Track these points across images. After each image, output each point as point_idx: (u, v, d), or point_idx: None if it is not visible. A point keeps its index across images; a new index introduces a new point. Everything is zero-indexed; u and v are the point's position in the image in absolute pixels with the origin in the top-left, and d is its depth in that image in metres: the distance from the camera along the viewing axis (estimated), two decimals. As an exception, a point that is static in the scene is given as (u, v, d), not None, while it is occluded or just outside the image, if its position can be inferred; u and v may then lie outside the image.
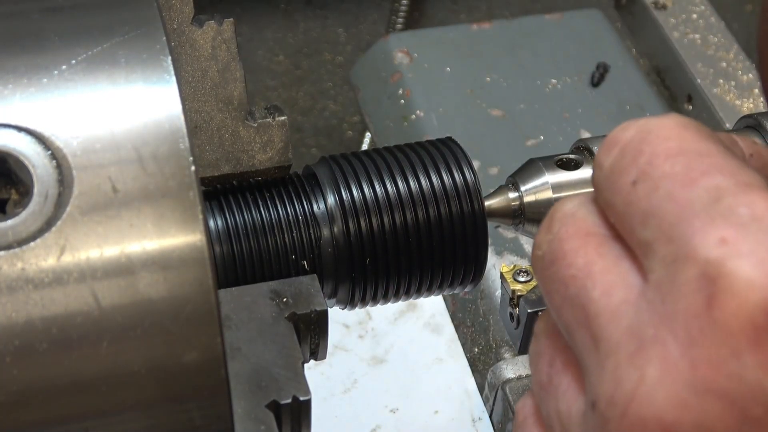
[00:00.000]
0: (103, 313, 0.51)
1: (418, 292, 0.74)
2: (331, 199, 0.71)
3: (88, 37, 0.55)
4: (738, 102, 1.33)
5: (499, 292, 0.99)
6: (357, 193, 0.71)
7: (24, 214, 0.51)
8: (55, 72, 0.54)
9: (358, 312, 1.12)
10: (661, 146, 0.52)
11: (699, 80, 1.35)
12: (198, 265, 0.52)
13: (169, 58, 0.54)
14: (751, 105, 1.32)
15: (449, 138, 0.75)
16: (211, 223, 0.69)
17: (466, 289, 0.76)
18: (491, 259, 1.08)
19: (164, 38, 0.55)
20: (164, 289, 0.51)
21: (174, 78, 0.54)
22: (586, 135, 1.27)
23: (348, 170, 0.72)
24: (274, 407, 0.60)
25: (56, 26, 0.56)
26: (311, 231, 0.71)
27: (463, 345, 1.11)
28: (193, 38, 0.69)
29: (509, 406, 1.01)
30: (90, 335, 0.51)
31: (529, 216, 0.74)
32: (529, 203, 0.74)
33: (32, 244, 0.51)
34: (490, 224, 0.74)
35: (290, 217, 0.70)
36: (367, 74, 1.42)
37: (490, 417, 1.04)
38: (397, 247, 0.71)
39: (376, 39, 1.54)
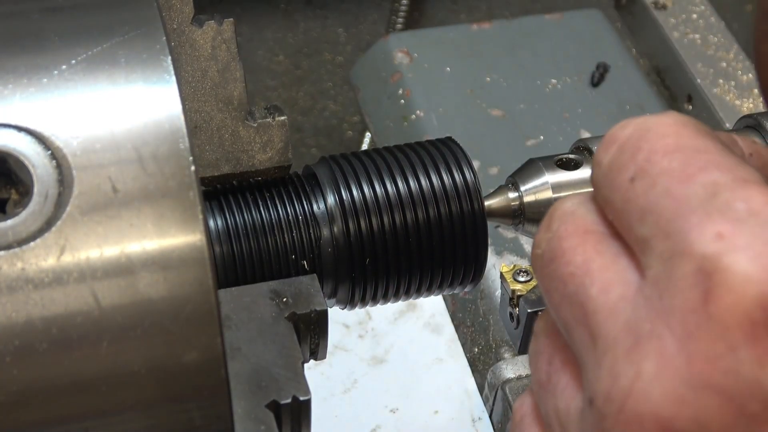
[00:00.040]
0: (103, 313, 0.51)
1: (418, 292, 0.74)
2: (331, 199, 0.71)
3: (88, 37, 0.55)
4: (738, 102, 1.33)
5: (499, 292, 0.99)
6: (357, 193, 0.71)
7: (24, 214, 0.51)
8: (55, 72, 0.54)
9: (358, 312, 1.12)
10: (659, 143, 0.52)
11: (699, 80, 1.35)
12: (198, 265, 0.52)
13: (169, 58, 0.54)
14: (751, 105, 1.32)
15: (449, 138, 0.75)
16: (211, 223, 0.69)
17: (466, 289, 0.76)
18: (491, 259, 1.08)
19: (164, 38, 0.55)
20: (164, 289, 0.51)
21: (174, 78, 0.54)
22: (586, 135, 1.27)
23: (348, 170, 0.72)
24: (274, 407, 0.60)
25: (56, 26, 0.56)
26: (311, 231, 0.71)
27: (463, 345, 1.11)
28: (193, 38, 0.69)
29: (509, 406, 1.01)
30: (90, 335, 0.51)
31: (529, 216, 0.74)
32: (529, 203, 0.74)
33: (32, 244, 0.51)
34: (490, 224, 0.74)
35: (290, 217, 0.70)
36: (367, 74, 1.42)
37: (490, 417, 1.04)
38: (397, 247, 0.71)
39: (376, 39, 1.54)
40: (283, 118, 0.71)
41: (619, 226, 0.53)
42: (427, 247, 0.72)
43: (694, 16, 1.43)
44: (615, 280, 0.52)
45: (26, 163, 0.52)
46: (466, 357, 1.10)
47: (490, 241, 0.74)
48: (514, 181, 0.75)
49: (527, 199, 0.74)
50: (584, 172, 0.74)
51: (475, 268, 0.74)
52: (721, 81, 1.35)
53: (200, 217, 0.52)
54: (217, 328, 0.52)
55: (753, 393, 0.46)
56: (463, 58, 1.39)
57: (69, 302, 0.51)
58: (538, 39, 1.42)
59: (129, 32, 0.55)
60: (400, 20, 1.95)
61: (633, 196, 0.52)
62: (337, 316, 0.92)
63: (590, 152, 0.75)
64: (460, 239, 0.72)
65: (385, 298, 0.74)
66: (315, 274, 0.69)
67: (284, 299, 0.67)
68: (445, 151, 0.74)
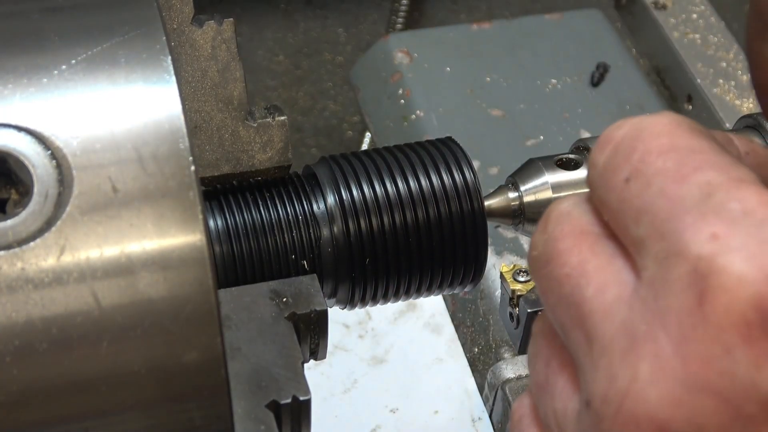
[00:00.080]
0: (103, 313, 0.51)
1: (418, 292, 0.74)
2: (330, 199, 0.71)
3: (88, 37, 0.55)
4: (738, 102, 1.33)
5: (499, 292, 0.99)
6: (357, 193, 0.71)
7: (24, 214, 0.51)
8: (55, 72, 0.54)
9: (358, 312, 1.12)
10: (653, 143, 0.52)
11: (699, 80, 1.35)
12: (198, 265, 0.52)
13: (169, 58, 0.54)
14: (751, 105, 1.32)
15: (449, 138, 0.75)
16: (211, 223, 0.69)
17: (466, 289, 0.76)
18: (491, 259, 1.08)
19: (164, 38, 0.55)
20: (164, 289, 0.51)
21: (174, 78, 0.54)
22: (586, 135, 1.27)
23: (348, 170, 0.72)
24: (274, 407, 0.60)
25: (56, 26, 0.56)
26: (311, 231, 0.71)
27: (463, 345, 1.11)
28: (193, 38, 0.69)
29: (509, 406, 1.01)
30: (90, 335, 0.51)
31: (529, 216, 0.74)
32: (529, 203, 0.74)
33: (32, 244, 0.51)
34: (490, 224, 0.74)
35: (290, 217, 0.70)
36: (367, 74, 1.42)
37: (490, 417, 1.04)
38: (397, 247, 0.71)
39: (376, 39, 1.54)
40: (283, 118, 0.71)
41: (615, 226, 0.53)
42: (427, 247, 0.72)
43: (694, 16, 1.43)
44: (611, 281, 0.52)
45: (26, 163, 0.52)
46: (466, 357, 1.10)
47: (490, 241, 0.74)
48: (514, 181, 0.75)
49: (527, 199, 0.74)
50: (584, 172, 0.74)
51: (475, 268, 0.74)
52: (721, 81, 1.35)
53: (200, 217, 0.52)
54: (217, 328, 0.52)
55: (749, 394, 0.46)
56: (463, 58, 1.39)
57: (69, 302, 0.51)
58: (538, 39, 1.42)
59: (129, 32, 0.55)
60: (400, 20, 1.95)
61: (628, 197, 0.51)
62: (337, 316, 0.92)
63: (590, 152, 0.75)
64: (460, 239, 0.72)
65: (385, 298, 0.74)
66: (315, 274, 0.69)
67: (284, 299, 0.67)
68: (445, 151, 0.74)
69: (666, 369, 0.47)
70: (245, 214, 0.70)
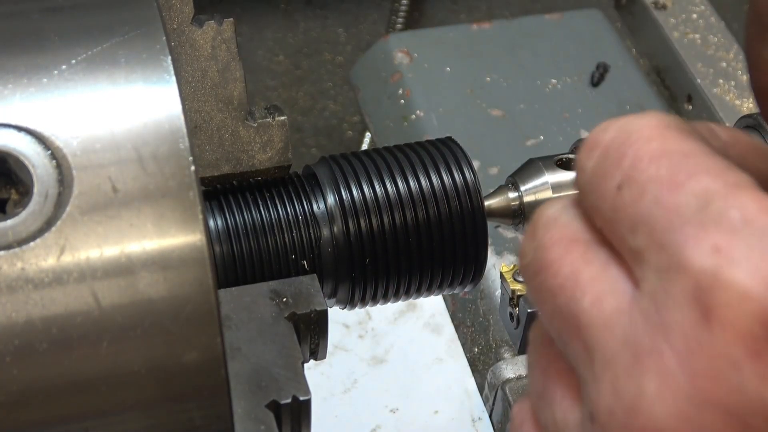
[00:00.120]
0: (103, 313, 0.51)
1: (418, 292, 0.74)
2: (331, 199, 0.71)
3: (88, 37, 0.55)
4: (738, 102, 1.33)
5: (499, 292, 0.99)
6: (357, 193, 0.71)
7: (24, 214, 0.51)
8: (55, 72, 0.54)
9: (358, 312, 1.12)
10: (643, 148, 0.51)
11: (699, 80, 1.35)
12: (198, 265, 0.52)
13: (169, 58, 0.54)
14: (751, 105, 1.32)
15: (449, 138, 0.75)
16: (211, 223, 0.69)
17: (466, 289, 0.76)
18: (491, 259, 1.08)
19: (164, 38, 0.55)
20: (164, 289, 0.51)
21: (174, 78, 0.54)
22: (586, 135, 1.27)
23: (348, 170, 0.72)
24: (274, 407, 0.60)
25: (56, 26, 0.56)
26: (311, 231, 0.71)
27: (463, 345, 1.11)
28: (193, 38, 0.69)
29: (509, 406, 1.01)
30: (90, 335, 0.51)
31: (529, 216, 0.74)
32: (529, 203, 0.74)
33: (32, 244, 0.51)
34: (490, 224, 0.74)
35: (290, 217, 0.70)
36: (367, 74, 1.42)
37: (490, 417, 1.04)
38: (397, 247, 0.71)
39: (376, 39, 1.54)
40: (283, 118, 0.71)
41: (609, 235, 0.52)
42: (427, 247, 0.72)
43: (694, 16, 1.43)
44: (607, 291, 0.51)
45: (26, 163, 0.52)
46: (466, 357, 1.10)
47: (490, 241, 0.74)
48: (514, 181, 0.75)
49: (527, 199, 0.74)
50: (583, 173, 0.74)
51: (475, 268, 0.74)
52: (721, 81, 1.35)
53: (200, 217, 0.52)
54: (217, 328, 0.52)
55: (756, 409, 0.46)
56: (463, 58, 1.39)
57: (69, 302, 0.51)
58: (538, 39, 1.42)
59: (129, 32, 0.55)
60: (400, 20, 1.96)
61: (621, 205, 0.50)
62: (337, 316, 0.92)
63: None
64: (460, 239, 0.72)
65: (385, 298, 0.74)
66: (315, 274, 0.69)
67: (284, 299, 0.67)
68: (445, 151, 0.74)
69: (672, 384, 0.47)
70: (245, 214, 0.70)
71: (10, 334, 0.50)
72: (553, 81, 1.36)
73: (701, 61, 1.37)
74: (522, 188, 0.74)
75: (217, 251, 0.68)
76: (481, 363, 1.11)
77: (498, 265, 1.05)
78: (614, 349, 0.49)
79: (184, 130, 0.53)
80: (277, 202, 0.71)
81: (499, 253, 1.15)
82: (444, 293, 0.76)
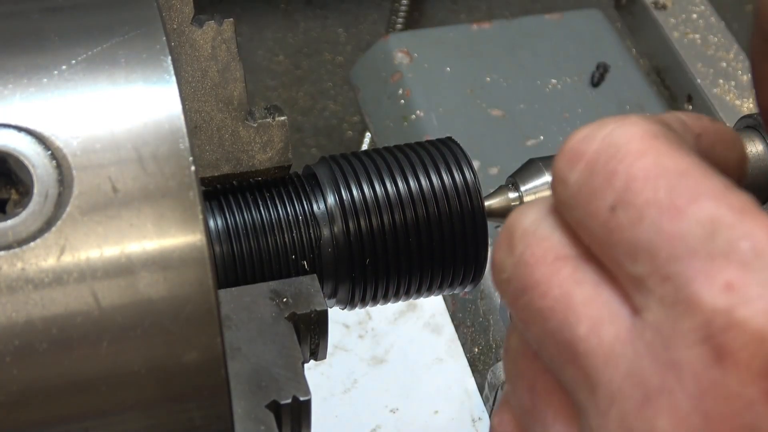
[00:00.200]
0: (103, 313, 0.51)
1: (418, 292, 0.74)
2: (331, 199, 0.71)
3: (88, 37, 0.55)
4: (738, 102, 1.33)
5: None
6: (357, 193, 0.71)
7: (24, 214, 0.51)
8: (55, 72, 0.54)
9: (358, 312, 1.12)
10: (635, 165, 0.48)
11: (699, 80, 1.35)
12: (198, 265, 0.52)
13: (169, 58, 0.54)
14: (751, 105, 1.32)
15: (449, 138, 0.75)
16: (211, 223, 0.69)
17: (466, 289, 0.76)
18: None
19: (164, 38, 0.55)
20: (164, 289, 0.51)
21: (174, 78, 0.54)
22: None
23: (348, 170, 0.72)
24: (274, 407, 0.60)
25: (56, 26, 0.56)
26: (311, 231, 0.71)
27: (463, 345, 1.11)
28: (193, 38, 0.69)
29: (509, 406, 1.01)
30: (90, 335, 0.51)
31: (529, 216, 0.74)
32: (529, 203, 0.74)
33: (32, 244, 0.51)
34: (490, 224, 0.74)
35: (290, 217, 0.70)
36: (367, 74, 1.42)
37: (490, 417, 1.04)
38: (397, 247, 0.71)
39: (376, 39, 1.54)
40: (283, 118, 0.71)
41: (602, 256, 0.50)
42: (427, 247, 0.72)
43: (694, 16, 1.43)
44: (603, 317, 0.49)
45: (26, 163, 0.52)
46: (466, 357, 1.10)
47: (490, 241, 0.73)
48: (514, 181, 0.75)
49: (527, 199, 0.74)
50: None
51: (475, 268, 0.74)
52: (721, 81, 1.35)
53: (200, 217, 0.52)
54: (217, 328, 0.52)
55: None
56: (463, 58, 1.39)
57: (69, 302, 0.51)
58: (538, 39, 1.42)
59: (129, 32, 0.55)
60: (400, 20, 1.96)
61: (617, 227, 0.48)
62: (337, 316, 0.92)
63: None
64: (460, 239, 0.72)
65: (385, 298, 0.74)
66: (315, 274, 0.69)
67: (284, 299, 0.67)
68: (445, 151, 0.74)
69: (685, 425, 0.46)
70: (245, 214, 0.70)
71: (10, 334, 0.50)
72: (553, 81, 1.36)
73: (701, 61, 1.37)
74: (522, 188, 0.74)
75: (217, 251, 0.68)
76: (481, 363, 1.11)
77: (498, 265, 1.04)
78: (619, 384, 0.48)
79: (184, 130, 0.53)
80: (277, 202, 0.71)
81: (499, 253, 1.15)
82: (444, 293, 0.76)
